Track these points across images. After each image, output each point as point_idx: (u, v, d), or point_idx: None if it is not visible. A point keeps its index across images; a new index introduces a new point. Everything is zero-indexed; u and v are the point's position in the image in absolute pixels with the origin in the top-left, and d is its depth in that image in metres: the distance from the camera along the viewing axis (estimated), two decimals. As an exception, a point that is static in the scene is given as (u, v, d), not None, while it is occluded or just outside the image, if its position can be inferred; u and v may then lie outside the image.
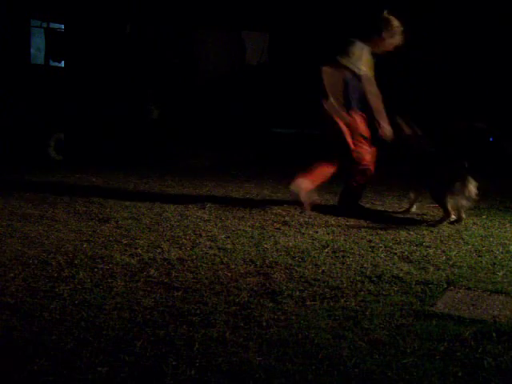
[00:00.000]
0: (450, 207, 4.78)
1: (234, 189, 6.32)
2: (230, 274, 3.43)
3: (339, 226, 4.74)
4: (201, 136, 9.69)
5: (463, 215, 4.86)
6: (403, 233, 4.54)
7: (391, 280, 3.39)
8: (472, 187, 4.72)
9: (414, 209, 5.32)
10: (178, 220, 4.69)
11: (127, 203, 5.37)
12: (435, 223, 4.78)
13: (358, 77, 5.12)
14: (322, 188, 6.53)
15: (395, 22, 5.18)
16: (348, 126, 5.20)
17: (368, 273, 3.51)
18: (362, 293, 3.17)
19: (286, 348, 2.48)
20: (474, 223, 4.94)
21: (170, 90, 10.69)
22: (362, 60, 5.10)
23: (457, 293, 3.21)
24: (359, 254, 3.91)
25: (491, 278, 3.46)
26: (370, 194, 6.25)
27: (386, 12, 5.18)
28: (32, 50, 10.38)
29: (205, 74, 11.07)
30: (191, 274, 3.41)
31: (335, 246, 4.08)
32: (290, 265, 3.64)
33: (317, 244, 4.15)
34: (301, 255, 3.85)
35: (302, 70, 12.10)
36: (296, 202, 5.28)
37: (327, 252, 3.95)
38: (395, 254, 3.96)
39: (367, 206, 5.62)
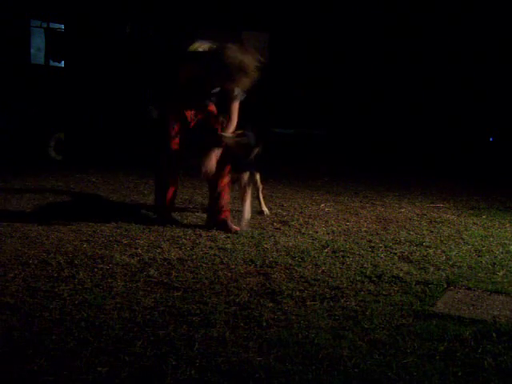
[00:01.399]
0: None
1: (233, 189, 6.31)
2: (230, 274, 3.43)
3: (339, 225, 4.74)
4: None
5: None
6: (403, 233, 4.54)
7: (391, 280, 3.39)
8: None
9: None
10: (178, 220, 4.68)
11: (127, 203, 5.37)
12: None
13: None
14: (320, 187, 6.54)
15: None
16: None
17: (368, 273, 3.51)
18: (362, 293, 3.17)
19: (286, 348, 2.48)
20: (474, 223, 4.94)
21: (169, 90, 10.68)
22: None
23: (457, 293, 3.21)
24: (359, 254, 3.91)
25: (491, 278, 3.46)
26: (370, 193, 6.25)
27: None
28: (32, 50, 10.38)
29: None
30: (191, 274, 3.41)
31: (335, 246, 4.08)
32: (290, 265, 3.64)
33: (317, 244, 4.15)
34: (301, 255, 3.84)
35: (302, 70, 12.11)
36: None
37: (327, 252, 3.95)
38: (395, 254, 3.96)
39: (367, 205, 5.62)
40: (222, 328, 2.67)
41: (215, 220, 4.53)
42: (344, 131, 12.29)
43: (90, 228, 4.38)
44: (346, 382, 2.23)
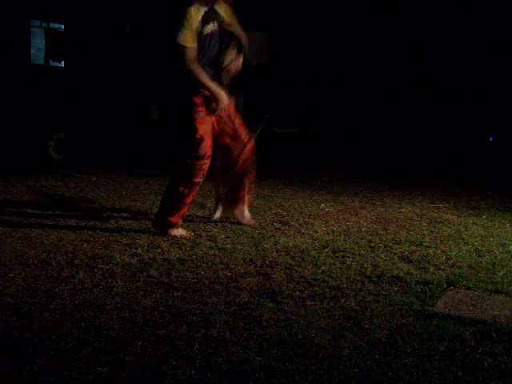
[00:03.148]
0: None
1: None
2: (229, 274, 3.43)
3: (339, 226, 4.74)
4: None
5: None
6: (403, 233, 4.54)
7: (391, 280, 3.39)
8: None
9: None
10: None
11: (127, 203, 5.37)
12: None
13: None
14: (320, 188, 6.54)
15: None
16: None
17: (368, 273, 3.51)
18: (362, 293, 3.17)
19: (285, 348, 2.48)
20: (474, 223, 4.94)
21: (169, 91, 10.69)
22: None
23: (457, 293, 3.21)
24: (359, 254, 3.91)
25: (491, 278, 3.46)
26: (370, 193, 6.25)
27: None
28: (32, 50, 10.38)
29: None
30: (191, 274, 3.41)
31: (335, 246, 4.08)
32: (290, 265, 3.64)
33: (317, 244, 4.15)
34: (301, 255, 3.84)
35: (303, 69, 12.11)
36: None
37: (327, 252, 3.95)
38: (395, 253, 3.96)
39: (367, 205, 5.62)
40: (221, 328, 2.66)
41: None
42: (344, 131, 12.29)
43: (89, 228, 4.38)
44: (346, 382, 2.23)
